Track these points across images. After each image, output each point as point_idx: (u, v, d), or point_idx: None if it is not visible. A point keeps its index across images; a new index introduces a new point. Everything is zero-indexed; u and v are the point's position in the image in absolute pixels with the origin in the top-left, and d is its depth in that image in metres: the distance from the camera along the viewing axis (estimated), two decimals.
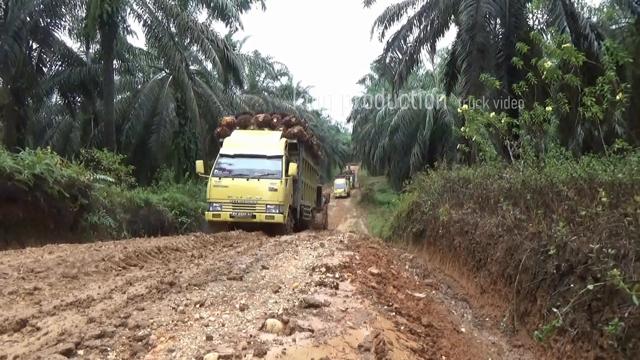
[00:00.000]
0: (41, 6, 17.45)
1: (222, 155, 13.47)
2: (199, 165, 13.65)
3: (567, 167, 5.70)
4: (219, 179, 12.86)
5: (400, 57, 17.79)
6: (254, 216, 12.52)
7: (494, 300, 6.03)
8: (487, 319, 5.77)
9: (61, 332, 2.68)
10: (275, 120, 15.24)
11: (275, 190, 12.59)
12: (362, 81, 47.34)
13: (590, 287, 3.38)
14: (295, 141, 14.69)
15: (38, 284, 4.19)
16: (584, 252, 3.95)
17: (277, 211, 12.56)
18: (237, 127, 15.14)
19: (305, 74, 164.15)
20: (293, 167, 13.03)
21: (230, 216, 12.52)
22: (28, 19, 16.83)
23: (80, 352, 2.35)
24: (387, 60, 18.55)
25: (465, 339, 4.50)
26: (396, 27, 18.10)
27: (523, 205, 5.92)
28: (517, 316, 5.03)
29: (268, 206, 12.54)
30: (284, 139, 14.19)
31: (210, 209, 12.77)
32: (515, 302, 5.08)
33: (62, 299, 3.67)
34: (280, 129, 14.79)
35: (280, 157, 13.31)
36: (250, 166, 13.10)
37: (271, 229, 12.58)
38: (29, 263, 5.24)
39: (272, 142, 13.99)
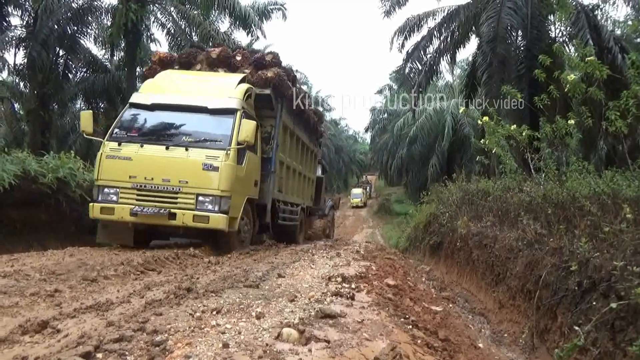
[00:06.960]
0: (69, 14, 17.99)
1: (132, 105, 8.05)
2: (85, 118, 7.76)
3: (589, 181, 5.60)
4: (118, 144, 7.40)
5: (420, 67, 17.74)
6: (173, 215, 7.16)
7: (512, 315, 5.93)
8: (506, 335, 5.67)
9: (81, 335, 2.71)
10: (239, 57, 9.53)
11: (216, 169, 7.23)
12: (381, 91, 47.32)
13: (613, 305, 3.31)
14: (268, 92, 8.92)
15: (59, 286, 4.27)
16: (607, 269, 3.86)
17: (216, 208, 7.18)
18: (177, 67, 9.50)
19: (324, 83, 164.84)
20: (249, 126, 7.52)
21: (132, 213, 7.15)
22: (56, 26, 17.34)
23: (99, 355, 2.38)
24: (407, 70, 18.53)
25: (483, 355, 4.43)
26: (416, 38, 18.07)
27: (544, 220, 5.83)
28: (537, 333, 4.94)
29: (200, 198, 7.22)
30: (246, 85, 8.45)
31: (99, 198, 7.34)
32: (535, 318, 4.98)
33: (82, 302, 3.73)
34: (246, 71, 9.19)
35: (232, 112, 7.78)
36: (177, 126, 7.85)
37: (212, 240, 7.67)
38: (51, 265, 5.35)
39: (222, 87, 8.40)
